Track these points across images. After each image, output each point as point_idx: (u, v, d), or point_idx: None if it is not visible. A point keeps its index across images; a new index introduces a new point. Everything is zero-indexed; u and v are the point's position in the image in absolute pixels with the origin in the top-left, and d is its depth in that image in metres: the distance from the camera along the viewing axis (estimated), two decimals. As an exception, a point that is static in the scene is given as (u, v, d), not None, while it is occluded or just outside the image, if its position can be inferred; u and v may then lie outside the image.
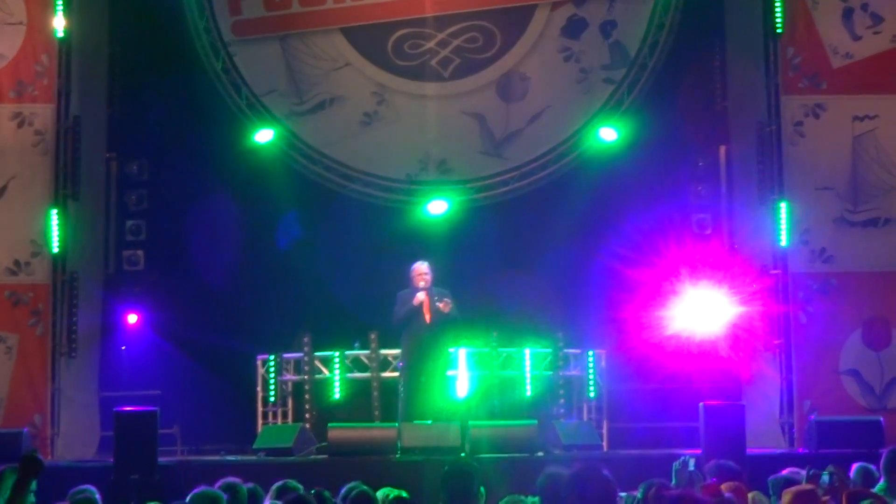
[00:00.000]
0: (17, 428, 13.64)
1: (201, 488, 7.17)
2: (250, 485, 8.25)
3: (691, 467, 8.56)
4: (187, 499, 7.02)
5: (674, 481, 8.30)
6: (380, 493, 7.88)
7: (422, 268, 13.54)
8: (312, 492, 7.74)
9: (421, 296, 13.39)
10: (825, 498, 7.11)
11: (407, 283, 13.59)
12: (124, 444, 12.46)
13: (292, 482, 8.81)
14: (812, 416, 14.05)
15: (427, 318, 13.42)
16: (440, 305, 13.33)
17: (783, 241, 14.69)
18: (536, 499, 6.91)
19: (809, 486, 7.11)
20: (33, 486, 7.49)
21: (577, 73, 16.30)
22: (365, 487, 7.48)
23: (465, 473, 6.75)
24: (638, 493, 7.31)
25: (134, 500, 9.79)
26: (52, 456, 14.11)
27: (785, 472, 8.68)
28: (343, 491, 7.61)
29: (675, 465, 8.43)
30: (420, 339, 13.51)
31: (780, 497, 7.82)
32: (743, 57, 15.82)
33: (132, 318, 15.97)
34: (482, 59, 16.34)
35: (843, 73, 14.86)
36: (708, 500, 4.95)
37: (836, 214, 14.70)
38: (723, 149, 16.26)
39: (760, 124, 15.14)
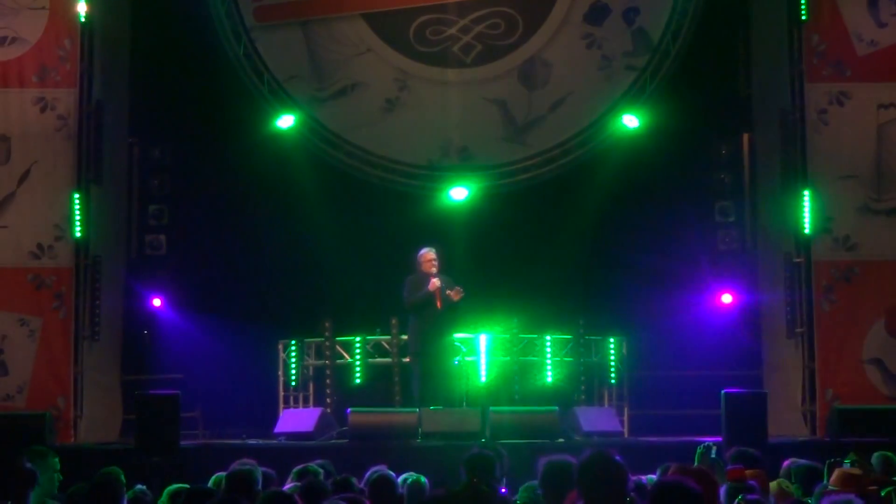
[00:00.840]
0: (41, 410, 13.71)
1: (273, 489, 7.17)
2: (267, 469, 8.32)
3: (713, 454, 8.56)
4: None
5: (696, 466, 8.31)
6: (399, 479, 7.90)
7: (431, 254, 13.56)
8: (338, 478, 7.79)
9: (437, 282, 13.40)
10: (873, 487, 7.10)
11: (413, 269, 13.61)
12: (147, 426, 12.53)
13: (312, 466, 8.87)
14: (834, 405, 14.01)
15: (438, 304, 13.44)
16: (452, 293, 13.36)
17: (807, 229, 14.62)
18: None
19: (857, 470, 7.13)
20: (57, 465, 7.54)
21: (600, 59, 16.26)
22: (387, 472, 7.50)
23: (486, 458, 6.78)
24: (656, 476, 7.32)
25: (156, 483, 9.81)
26: (75, 438, 14.17)
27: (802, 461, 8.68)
28: (367, 475, 7.65)
29: (700, 449, 8.44)
30: (431, 326, 13.55)
31: (802, 484, 7.82)
32: (767, 44, 15.75)
33: (157, 302, 16.05)
34: (504, 46, 16.31)
35: (868, 61, 14.76)
36: (694, 486, 4.92)
37: (860, 203, 14.62)
38: (746, 136, 16.22)
39: (784, 112, 15.06)
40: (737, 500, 5.42)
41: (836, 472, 6.97)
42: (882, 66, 14.75)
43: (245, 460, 7.69)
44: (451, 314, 13.59)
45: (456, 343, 14.02)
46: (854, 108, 14.72)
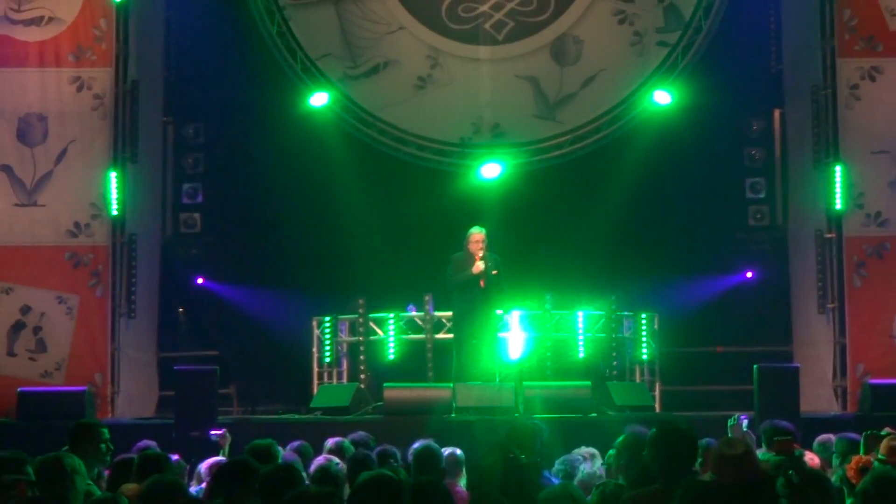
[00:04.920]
0: (80, 387, 13.90)
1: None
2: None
3: (745, 427, 8.65)
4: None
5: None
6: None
7: (478, 235, 13.62)
8: (377, 449, 7.94)
9: (481, 265, 13.49)
10: None
11: (461, 247, 13.70)
12: (185, 401, 12.71)
13: (346, 441, 9.02)
14: (865, 380, 14.04)
15: (482, 283, 13.54)
16: (494, 272, 13.48)
17: (838, 204, 14.63)
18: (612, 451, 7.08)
19: None
20: (105, 434, 7.69)
21: (632, 36, 16.27)
22: (433, 445, 7.64)
23: (527, 430, 6.91)
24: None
25: (195, 457, 9.96)
26: (112, 414, 14.36)
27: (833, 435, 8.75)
28: (413, 447, 7.79)
29: (730, 421, 8.52)
30: (474, 304, 13.65)
31: (841, 456, 7.90)
32: (798, 19, 15.71)
33: (200, 281, 16.26)
34: (536, 23, 16.34)
35: (900, 36, 14.74)
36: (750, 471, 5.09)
37: (892, 178, 14.61)
38: (777, 112, 16.21)
39: (816, 87, 15.05)
40: (788, 473, 5.48)
41: (885, 442, 7.03)
42: (915, 41, 14.72)
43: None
44: (495, 293, 13.66)
45: (498, 321, 14.09)
46: (886, 83, 14.70)
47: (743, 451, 5.32)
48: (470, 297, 13.64)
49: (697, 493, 4.69)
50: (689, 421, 5.70)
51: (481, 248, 13.56)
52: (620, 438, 6.89)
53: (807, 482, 5.45)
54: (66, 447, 7.43)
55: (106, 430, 7.80)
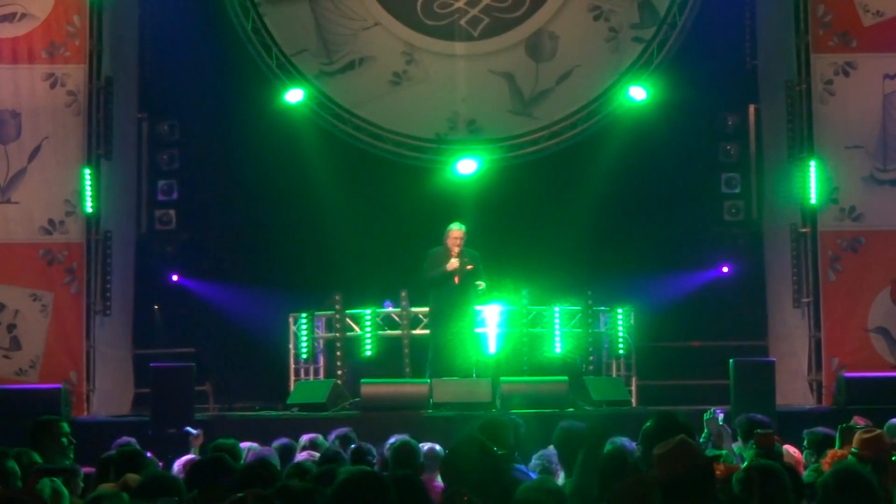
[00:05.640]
0: (55, 384, 13.84)
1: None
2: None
3: (721, 421, 8.67)
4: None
5: (705, 433, 8.43)
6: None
7: (457, 232, 13.62)
8: (353, 447, 7.93)
9: (455, 262, 13.50)
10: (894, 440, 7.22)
11: (439, 241, 13.69)
12: (161, 398, 12.66)
13: (321, 438, 9.02)
14: (840, 373, 14.11)
15: (456, 279, 13.54)
16: (469, 267, 13.48)
17: (813, 199, 14.68)
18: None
19: (878, 431, 7.24)
20: (65, 429, 7.68)
21: (607, 31, 16.31)
22: (410, 440, 7.63)
23: (500, 424, 6.91)
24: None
25: (171, 454, 9.93)
26: (88, 412, 14.29)
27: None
28: (389, 442, 7.78)
29: (706, 415, 8.54)
30: (449, 301, 13.66)
31: (812, 449, 7.94)
32: (772, 15, 15.76)
33: (175, 278, 16.21)
34: (511, 19, 16.35)
35: (874, 31, 14.78)
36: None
37: (866, 173, 14.67)
38: (752, 107, 16.27)
39: (790, 83, 15.10)
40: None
41: (857, 435, 7.07)
42: (888, 37, 14.76)
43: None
44: (471, 289, 13.67)
45: (475, 317, 14.10)
46: (860, 79, 14.76)
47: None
48: (446, 294, 13.65)
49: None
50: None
51: (458, 245, 13.56)
52: (555, 433, 6.97)
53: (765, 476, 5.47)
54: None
55: (66, 425, 7.81)
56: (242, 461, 7.43)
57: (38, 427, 7.74)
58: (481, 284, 13.62)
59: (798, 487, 5.90)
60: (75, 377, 14.34)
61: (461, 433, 7.31)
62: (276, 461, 7.46)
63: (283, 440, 8.87)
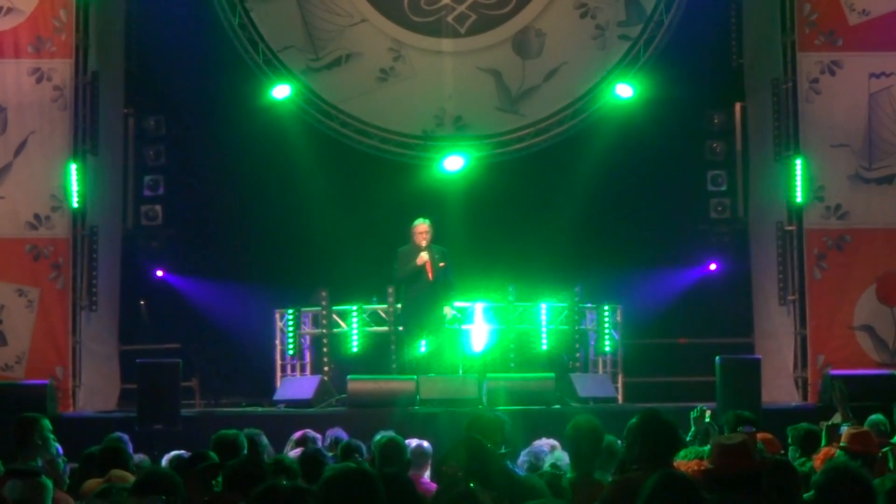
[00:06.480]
0: (41, 380, 13.81)
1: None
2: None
3: (707, 419, 8.69)
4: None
5: (691, 430, 8.44)
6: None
7: (422, 227, 13.64)
8: (344, 443, 7.95)
9: (424, 255, 13.51)
10: (880, 438, 7.26)
11: (407, 240, 13.72)
12: (147, 394, 12.64)
13: (311, 434, 9.03)
14: (826, 371, 14.16)
15: (430, 276, 13.54)
16: (442, 264, 13.50)
17: (798, 197, 14.73)
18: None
19: (865, 428, 7.28)
20: (48, 425, 7.69)
21: (593, 29, 16.31)
22: (396, 436, 7.64)
23: (489, 420, 6.92)
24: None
25: (157, 450, 9.93)
26: (74, 408, 14.28)
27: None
28: (376, 439, 7.79)
29: (693, 413, 8.56)
30: (422, 297, 13.67)
31: (799, 446, 7.97)
32: (759, 14, 15.80)
33: (159, 273, 16.18)
34: (498, 16, 16.35)
35: (860, 30, 14.84)
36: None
37: (852, 171, 14.73)
38: (738, 106, 16.30)
39: (776, 81, 15.15)
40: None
41: (846, 431, 7.11)
42: (873, 36, 14.83)
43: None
44: (444, 285, 13.68)
45: (455, 313, 14.11)
46: (846, 78, 14.81)
47: (741, 441, 5.37)
48: (418, 290, 13.67)
49: (665, 481, 4.71)
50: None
51: (425, 240, 13.57)
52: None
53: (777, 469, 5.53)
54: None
55: (48, 422, 7.81)
56: (244, 452, 7.43)
57: (20, 425, 7.74)
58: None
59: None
60: (61, 373, 14.32)
61: (451, 435, 7.33)
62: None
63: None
